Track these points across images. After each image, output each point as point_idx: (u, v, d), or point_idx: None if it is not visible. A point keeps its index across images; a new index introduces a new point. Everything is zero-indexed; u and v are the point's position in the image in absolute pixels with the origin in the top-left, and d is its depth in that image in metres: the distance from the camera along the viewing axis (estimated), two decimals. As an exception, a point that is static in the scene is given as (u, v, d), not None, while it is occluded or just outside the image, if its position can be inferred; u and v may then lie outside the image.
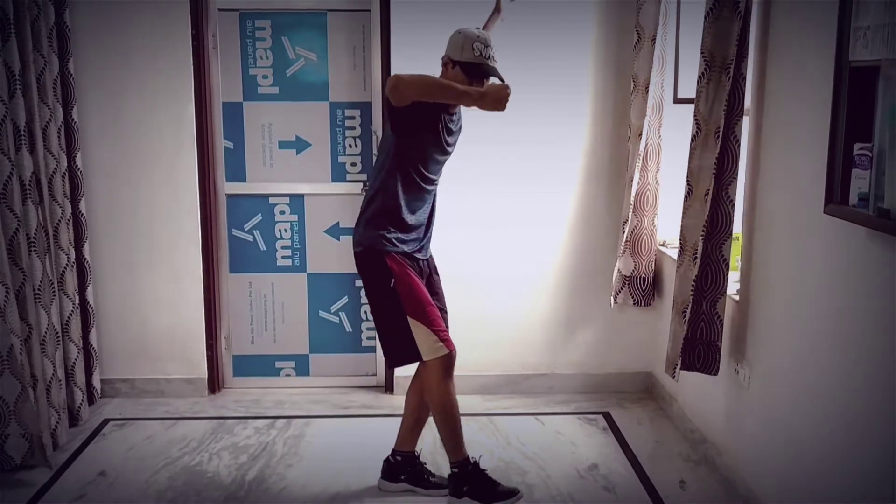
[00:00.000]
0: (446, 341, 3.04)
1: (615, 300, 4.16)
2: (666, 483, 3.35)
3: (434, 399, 3.08)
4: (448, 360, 3.05)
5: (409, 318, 3.00)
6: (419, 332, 3.01)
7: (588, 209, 4.22)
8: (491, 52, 2.99)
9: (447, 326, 3.15)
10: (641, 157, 3.91)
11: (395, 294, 3.00)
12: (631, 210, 3.99)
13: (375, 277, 3.05)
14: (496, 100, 2.84)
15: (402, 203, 3.02)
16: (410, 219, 3.05)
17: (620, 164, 4.12)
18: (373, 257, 3.03)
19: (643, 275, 4.10)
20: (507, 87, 2.84)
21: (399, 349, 3.08)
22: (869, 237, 2.26)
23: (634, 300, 4.15)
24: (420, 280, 3.07)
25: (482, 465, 3.16)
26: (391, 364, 3.22)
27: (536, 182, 4.18)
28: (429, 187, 3.09)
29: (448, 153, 3.11)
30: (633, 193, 3.95)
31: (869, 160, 2.20)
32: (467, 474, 3.12)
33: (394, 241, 3.02)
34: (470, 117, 3.37)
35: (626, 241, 4.06)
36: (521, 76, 4.08)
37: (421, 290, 3.04)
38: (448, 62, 3.03)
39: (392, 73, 2.79)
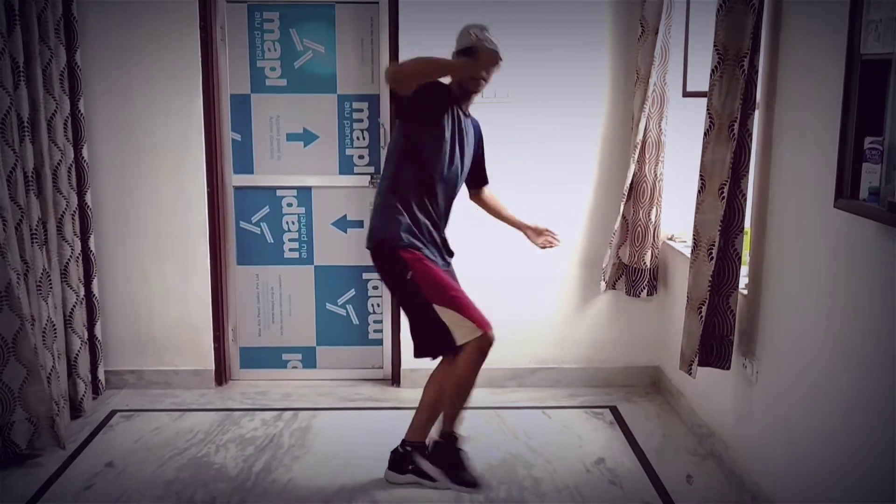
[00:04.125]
0: (480, 321, 3.01)
1: (612, 286, 4.16)
2: (673, 477, 3.35)
3: (459, 379, 3.07)
4: (484, 342, 3.02)
5: (434, 305, 2.99)
6: (448, 316, 2.99)
7: (596, 205, 4.21)
8: (488, 36, 3.04)
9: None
10: (638, 149, 3.91)
11: (414, 285, 3.00)
12: (623, 200, 3.98)
13: (392, 272, 3.06)
14: (488, 59, 2.91)
15: (410, 195, 3.03)
16: (420, 216, 3.05)
17: (628, 161, 4.11)
18: (386, 252, 3.04)
19: (635, 265, 4.10)
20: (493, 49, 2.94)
21: (430, 339, 3.07)
22: (879, 231, 2.25)
23: (627, 290, 4.16)
24: (437, 267, 3.06)
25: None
26: (417, 354, 3.18)
27: (544, 179, 4.17)
28: (435, 186, 3.07)
29: (455, 153, 3.09)
30: (627, 183, 3.95)
31: (880, 154, 2.18)
32: (413, 456, 3.21)
33: (405, 235, 3.02)
34: (482, 118, 3.39)
35: (626, 231, 4.07)
36: (535, 76, 4.09)
37: (440, 275, 3.03)
38: (453, 56, 3.10)
39: (387, 65, 2.89)
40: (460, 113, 3.12)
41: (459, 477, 3.19)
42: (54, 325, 3.66)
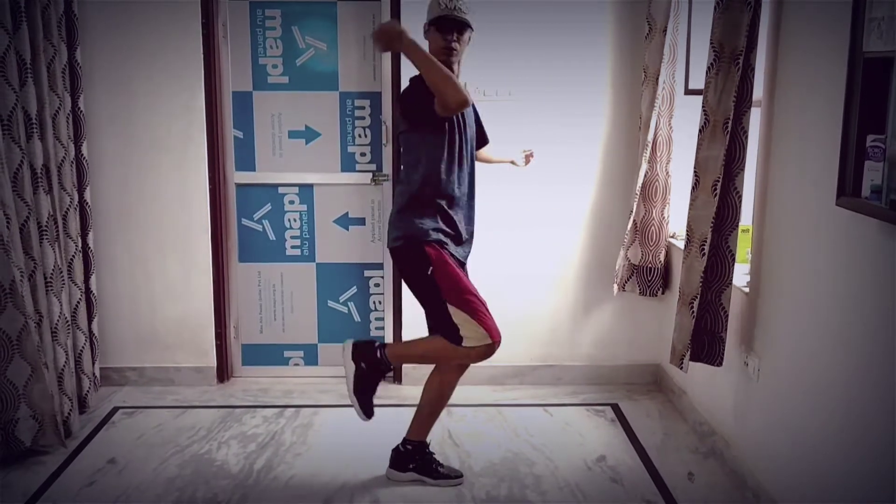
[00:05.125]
0: (491, 330, 3.03)
1: (623, 288, 4.16)
2: (674, 475, 3.35)
3: (442, 380, 3.15)
4: (490, 351, 3.05)
5: (448, 305, 3.01)
6: (460, 318, 3.00)
7: (599, 205, 4.21)
8: (457, 4, 3.00)
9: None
10: (649, 148, 3.90)
11: (432, 281, 3.01)
12: (636, 200, 3.98)
13: (415, 267, 3.06)
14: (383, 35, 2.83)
15: (433, 190, 3.04)
16: (444, 206, 3.06)
17: (634, 160, 4.10)
18: (412, 247, 3.04)
19: (650, 265, 4.10)
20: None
21: (447, 334, 3.07)
22: (881, 229, 2.25)
23: (640, 290, 4.16)
24: (460, 268, 3.09)
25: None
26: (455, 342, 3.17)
27: (550, 180, 4.16)
28: (453, 172, 3.08)
29: (465, 131, 3.09)
30: (639, 183, 3.95)
31: (882, 152, 2.18)
32: (415, 454, 3.26)
33: (431, 230, 3.03)
34: (484, 117, 3.39)
35: (636, 231, 4.06)
36: (538, 76, 4.09)
37: (459, 276, 3.05)
38: (425, 30, 3.09)
39: (451, 99, 2.84)
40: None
41: (443, 473, 3.25)
42: (67, 322, 3.68)
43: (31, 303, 3.35)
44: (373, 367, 3.20)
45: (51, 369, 3.48)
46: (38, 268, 3.45)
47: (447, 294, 3.01)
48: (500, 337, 3.06)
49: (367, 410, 3.20)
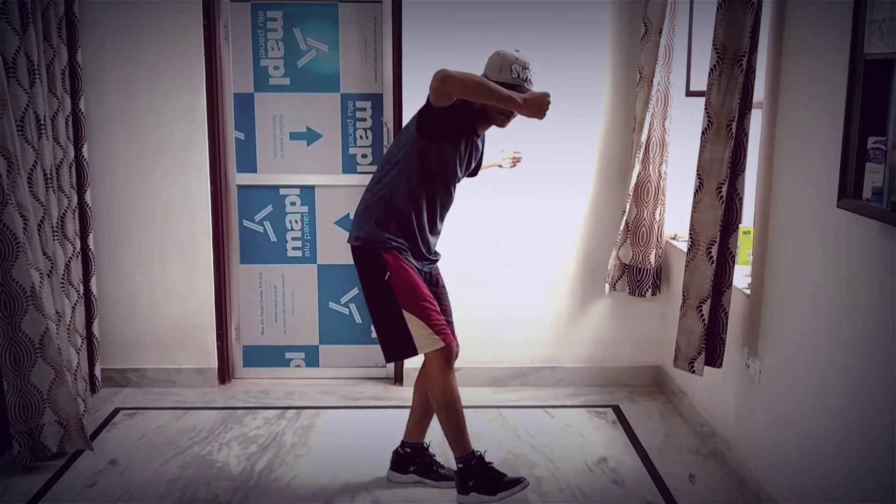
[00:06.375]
0: (443, 334, 3.01)
1: (613, 287, 4.17)
2: (675, 477, 3.35)
3: (435, 392, 3.07)
4: (447, 353, 3.02)
5: (403, 311, 2.98)
6: (414, 325, 2.99)
7: (597, 205, 4.21)
8: (529, 76, 2.99)
9: (452, 329, 3.15)
10: (643, 148, 3.91)
11: (389, 287, 2.99)
12: (629, 200, 3.99)
13: (372, 271, 3.04)
14: (538, 105, 2.85)
15: (407, 204, 3.01)
16: (412, 222, 3.03)
17: (629, 161, 4.10)
18: (370, 251, 3.02)
19: (640, 265, 4.10)
20: (548, 94, 2.86)
21: (395, 343, 3.06)
22: (882, 231, 2.25)
23: (630, 289, 4.16)
24: (417, 275, 3.05)
25: (487, 459, 3.14)
26: (387, 358, 3.20)
27: (547, 180, 4.16)
28: (435, 199, 3.06)
29: (462, 171, 3.10)
30: (632, 183, 3.95)
31: (883, 154, 2.18)
32: (471, 469, 3.10)
33: (393, 237, 3.01)
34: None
35: (627, 231, 4.07)
36: (538, 76, 4.06)
37: (417, 284, 3.01)
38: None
39: (439, 69, 2.78)
40: (474, 136, 3.09)
41: (506, 484, 3.11)
42: (74, 323, 3.67)
43: (51, 304, 3.35)
44: (413, 459, 3.31)
45: (70, 371, 3.47)
46: (55, 268, 3.45)
47: (403, 300, 2.98)
48: (451, 340, 3.04)
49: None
